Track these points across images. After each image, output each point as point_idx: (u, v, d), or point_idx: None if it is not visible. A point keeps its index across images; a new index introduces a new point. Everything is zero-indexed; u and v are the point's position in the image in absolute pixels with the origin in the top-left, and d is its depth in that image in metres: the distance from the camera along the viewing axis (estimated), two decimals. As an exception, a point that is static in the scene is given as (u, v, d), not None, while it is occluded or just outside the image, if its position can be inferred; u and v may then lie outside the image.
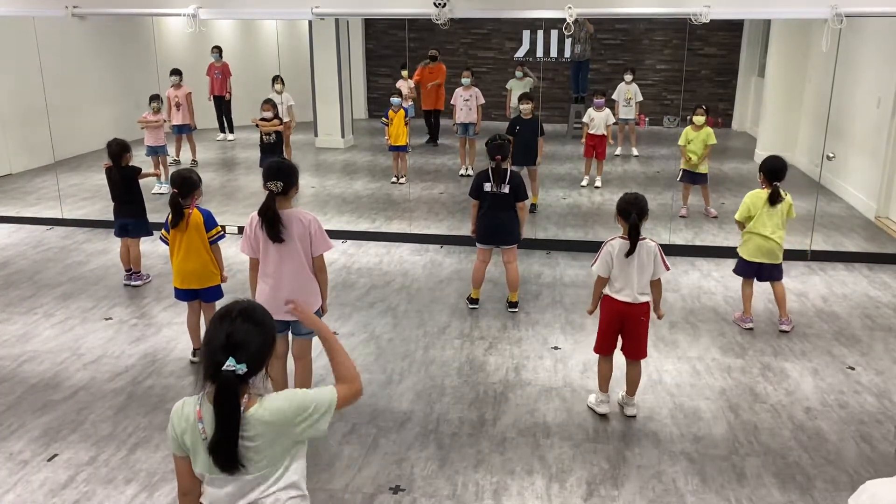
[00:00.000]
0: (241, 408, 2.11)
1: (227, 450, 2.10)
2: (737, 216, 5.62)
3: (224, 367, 2.06)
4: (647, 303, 4.26)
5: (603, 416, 4.38)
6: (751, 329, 5.58)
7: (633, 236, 4.12)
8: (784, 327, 5.56)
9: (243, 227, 4.09)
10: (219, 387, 2.07)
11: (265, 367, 2.19)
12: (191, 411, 2.16)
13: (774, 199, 5.35)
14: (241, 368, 2.07)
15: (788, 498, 3.69)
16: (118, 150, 6.22)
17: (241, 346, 2.09)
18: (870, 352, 5.30)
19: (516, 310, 5.93)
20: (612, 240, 4.25)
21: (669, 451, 4.07)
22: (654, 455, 4.03)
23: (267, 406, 2.14)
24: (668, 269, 4.27)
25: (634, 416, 4.39)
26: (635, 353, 4.35)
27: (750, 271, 5.59)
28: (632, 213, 4.11)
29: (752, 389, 4.74)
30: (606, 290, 4.29)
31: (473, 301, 6.01)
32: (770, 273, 5.55)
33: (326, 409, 2.21)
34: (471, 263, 6.93)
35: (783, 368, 5.02)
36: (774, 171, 5.38)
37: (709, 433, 4.24)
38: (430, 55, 12.45)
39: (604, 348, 4.39)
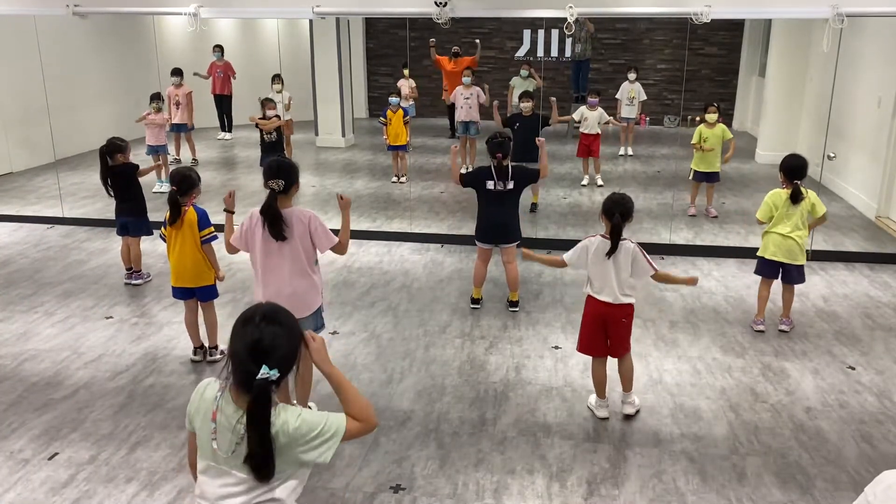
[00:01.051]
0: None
1: (263, 459, 2.08)
2: (759, 215, 5.50)
3: (259, 377, 2.03)
4: (630, 304, 4.25)
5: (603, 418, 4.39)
6: (762, 332, 5.56)
7: (615, 237, 4.12)
8: (783, 327, 5.55)
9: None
10: (255, 397, 2.04)
11: (293, 371, 2.17)
12: (209, 403, 2.15)
13: (796, 197, 5.29)
14: (274, 374, 2.05)
15: (789, 497, 3.69)
16: (108, 149, 6.23)
17: (270, 351, 2.06)
18: (870, 351, 5.30)
19: (517, 309, 5.93)
20: (592, 236, 4.26)
21: (670, 450, 4.07)
22: (655, 454, 4.03)
23: (278, 413, 2.12)
24: (654, 268, 4.20)
25: (634, 415, 4.39)
26: (618, 350, 4.35)
27: (769, 271, 5.53)
28: (615, 213, 4.10)
29: (752, 389, 4.75)
30: (588, 290, 4.30)
31: (475, 301, 6.00)
32: (791, 275, 5.49)
33: (332, 435, 2.16)
34: (471, 263, 6.94)
35: (783, 368, 5.03)
36: (794, 169, 5.31)
37: (709, 433, 4.24)
38: (453, 51, 12.45)
39: (588, 348, 4.38)
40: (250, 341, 2.06)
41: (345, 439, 2.19)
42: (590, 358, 4.48)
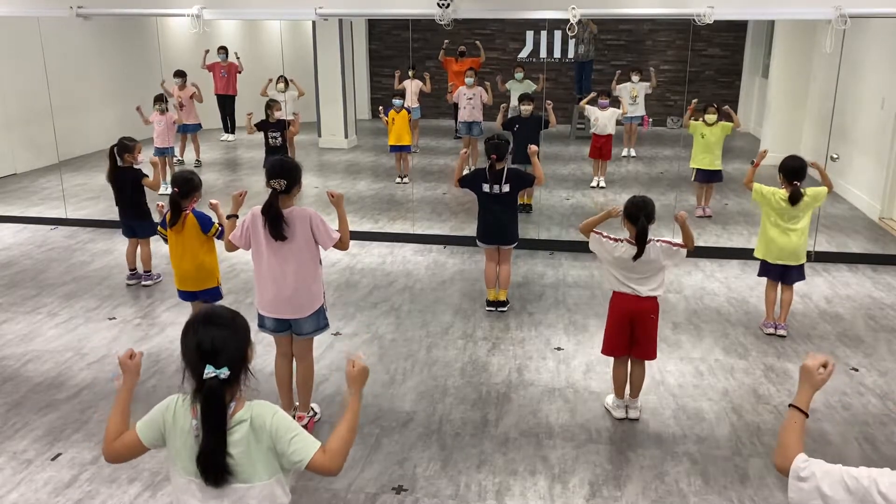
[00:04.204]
0: (230, 412, 2.11)
1: (215, 461, 2.09)
2: (750, 185, 5.48)
3: (205, 376, 2.06)
4: (655, 299, 4.25)
5: (607, 418, 4.39)
6: (771, 334, 5.54)
7: (641, 241, 4.10)
8: (780, 331, 5.53)
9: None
10: (204, 396, 2.08)
11: (248, 365, 2.19)
12: (185, 410, 2.17)
13: (795, 199, 5.26)
14: (223, 373, 2.07)
15: None
16: (118, 148, 6.25)
17: (214, 352, 2.09)
18: (873, 353, 5.29)
19: (505, 309, 5.92)
20: (618, 239, 4.22)
21: (672, 451, 4.07)
22: (657, 456, 4.03)
23: (251, 407, 2.16)
24: (681, 246, 4.17)
25: (637, 419, 4.38)
26: (644, 353, 4.33)
27: (773, 273, 5.51)
28: (640, 216, 4.09)
29: (755, 390, 4.74)
30: (615, 286, 4.28)
31: (492, 303, 5.96)
32: (792, 276, 5.46)
33: (302, 449, 2.15)
34: (474, 264, 6.95)
35: (786, 369, 5.02)
36: (794, 170, 5.28)
37: (711, 434, 4.24)
38: (459, 51, 12.43)
39: (613, 349, 4.37)
40: (193, 346, 2.11)
41: (308, 467, 2.16)
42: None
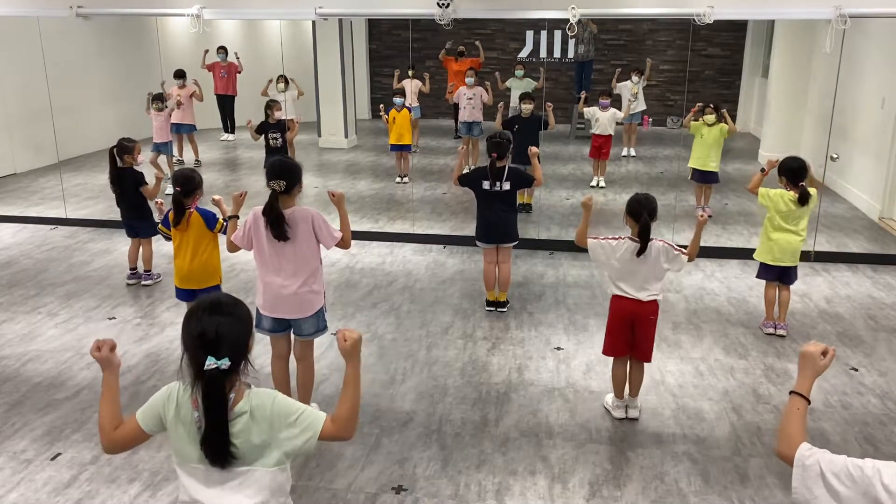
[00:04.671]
0: (230, 402, 2.12)
1: (218, 443, 2.10)
2: (756, 190, 5.47)
3: (206, 367, 2.06)
4: (656, 301, 4.25)
5: (607, 417, 4.39)
6: (770, 334, 5.54)
7: (645, 237, 4.11)
8: (779, 331, 5.54)
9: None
10: (204, 385, 2.08)
11: (249, 355, 2.19)
12: (186, 398, 2.17)
13: (804, 199, 5.25)
14: (224, 363, 2.07)
15: (791, 499, 3.67)
16: (117, 149, 6.24)
17: (217, 341, 2.08)
18: (873, 353, 5.29)
19: (505, 309, 5.92)
20: (619, 238, 4.22)
21: (672, 451, 4.07)
22: (657, 456, 4.03)
23: (250, 398, 2.16)
24: (684, 252, 4.19)
25: (637, 419, 4.38)
26: (641, 355, 4.34)
27: (772, 275, 5.52)
28: (643, 213, 4.10)
29: (755, 390, 4.74)
30: (615, 290, 4.28)
31: (491, 304, 5.97)
32: (790, 276, 5.48)
33: (310, 426, 2.16)
34: (474, 264, 6.95)
35: (786, 369, 5.02)
36: (796, 171, 5.28)
37: (711, 434, 4.24)
38: (458, 50, 12.44)
39: (613, 349, 4.37)
40: (196, 334, 2.10)
41: (321, 437, 2.18)
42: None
